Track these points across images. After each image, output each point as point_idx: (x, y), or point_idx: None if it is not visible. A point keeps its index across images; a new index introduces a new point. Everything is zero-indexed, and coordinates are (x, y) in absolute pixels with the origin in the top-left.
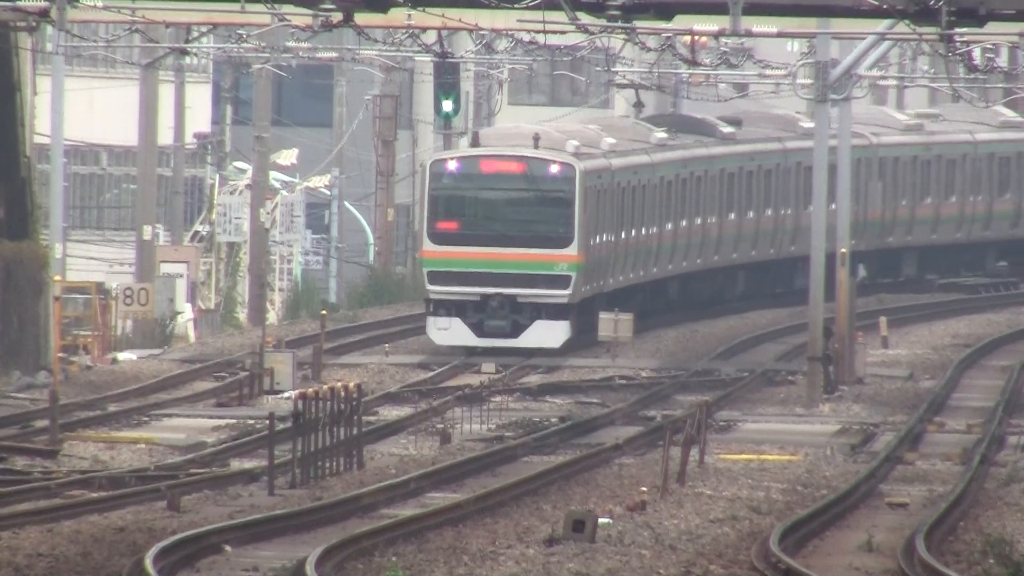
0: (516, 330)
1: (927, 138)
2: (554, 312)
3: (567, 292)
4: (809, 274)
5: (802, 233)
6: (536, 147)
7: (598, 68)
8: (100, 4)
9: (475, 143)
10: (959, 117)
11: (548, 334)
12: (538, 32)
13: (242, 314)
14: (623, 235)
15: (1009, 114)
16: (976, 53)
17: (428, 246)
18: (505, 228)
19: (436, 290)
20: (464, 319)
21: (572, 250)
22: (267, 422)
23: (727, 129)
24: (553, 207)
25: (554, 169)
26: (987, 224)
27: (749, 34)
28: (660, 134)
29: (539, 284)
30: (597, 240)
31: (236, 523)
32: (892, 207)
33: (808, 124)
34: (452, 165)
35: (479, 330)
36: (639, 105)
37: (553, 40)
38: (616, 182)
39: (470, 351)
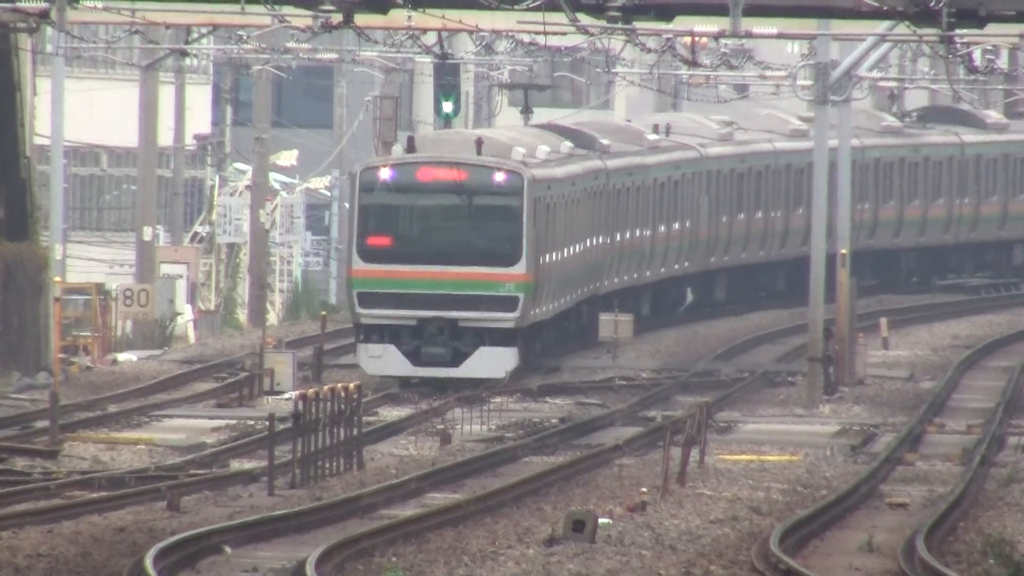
0: (457, 358)
1: (740, 148)
2: (499, 338)
3: (514, 315)
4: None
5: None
6: (479, 153)
7: (598, 69)
8: (100, 5)
9: (411, 149)
10: (751, 125)
11: (493, 362)
12: (538, 33)
13: (242, 315)
14: (577, 248)
15: (796, 122)
16: (976, 54)
17: (358, 264)
18: (444, 244)
19: (367, 313)
20: (399, 346)
21: (520, 268)
22: (267, 423)
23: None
24: (498, 220)
25: (499, 178)
26: (783, 241)
27: (749, 35)
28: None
29: (483, 307)
30: (549, 258)
31: (236, 523)
32: (716, 224)
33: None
34: (385, 173)
35: (416, 358)
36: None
37: (553, 41)
38: (570, 192)
39: (404, 383)
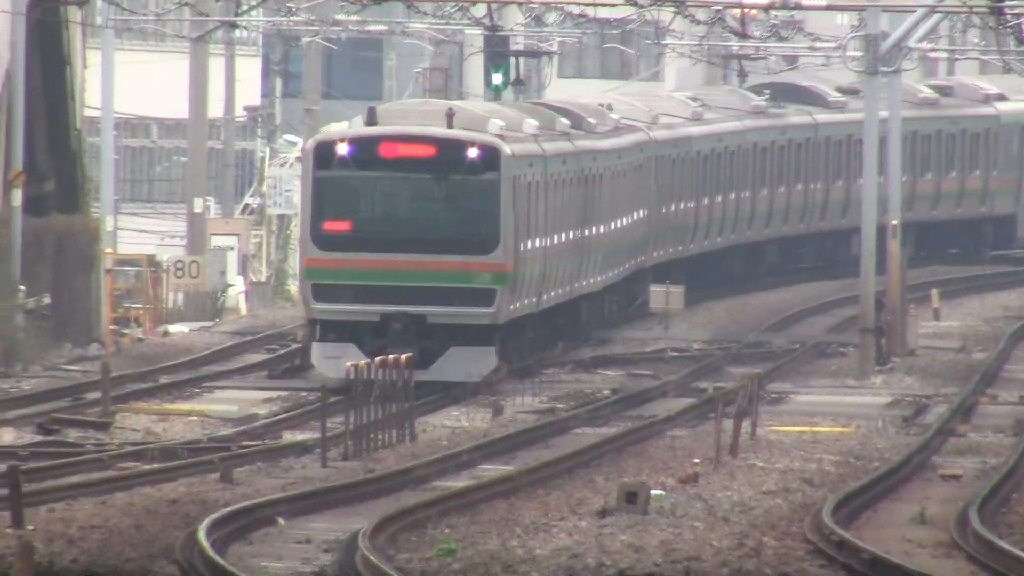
0: (426, 359)
1: (710, 128)
2: (474, 336)
3: (490, 310)
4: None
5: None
6: (450, 126)
7: (648, 41)
8: None
9: (371, 121)
10: (718, 102)
11: (467, 364)
12: (588, 5)
13: (293, 286)
14: (563, 237)
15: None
16: None
17: (312, 252)
18: (410, 230)
19: (323, 308)
20: (360, 345)
21: (497, 257)
22: (319, 394)
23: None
24: (471, 202)
25: (472, 153)
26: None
27: (799, 7)
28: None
29: (454, 301)
30: (530, 244)
31: (289, 495)
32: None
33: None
34: (342, 148)
35: None
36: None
37: (603, 13)
38: (553, 171)
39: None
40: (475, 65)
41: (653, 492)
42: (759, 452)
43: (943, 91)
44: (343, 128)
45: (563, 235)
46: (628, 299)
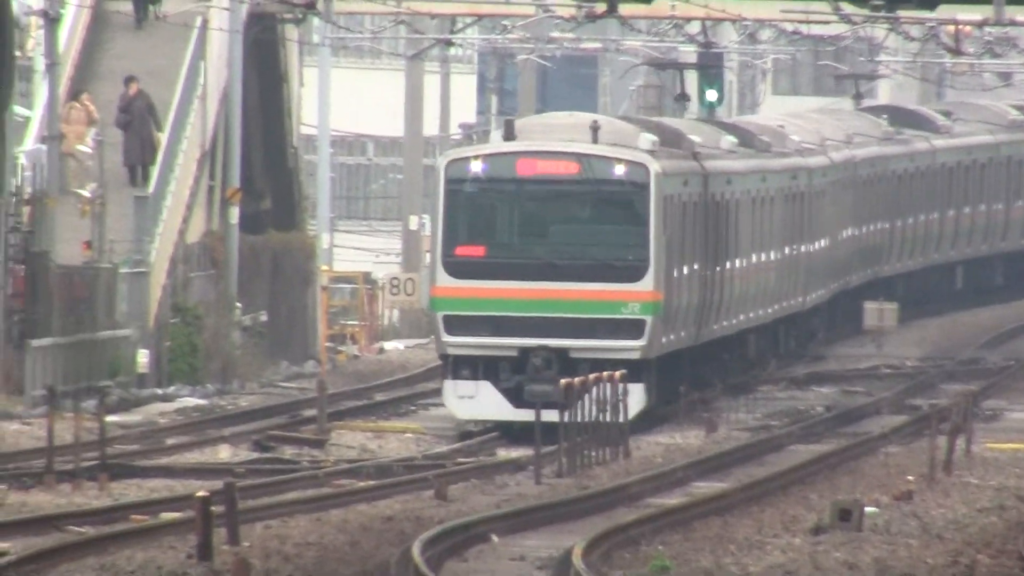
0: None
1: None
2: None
3: (639, 343)
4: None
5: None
6: (595, 141)
7: (861, 58)
8: None
9: (509, 135)
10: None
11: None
12: (801, 22)
13: None
14: (726, 264)
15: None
16: None
17: (443, 280)
18: (550, 255)
19: (456, 342)
20: (496, 383)
21: (647, 284)
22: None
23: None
24: (618, 224)
25: (619, 171)
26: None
27: (1013, 23)
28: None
29: (600, 333)
30: (685, 270)
31: (503, 512)
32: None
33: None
34: (476, 166)
35: (517, 398)
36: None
37: (816, 30)
38: (715, 190)
39: (504, 428)
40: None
41: (867, 509)
42: (974, 469)
43: None
44: (479, 144)
45: (726, 260)
46: (808, 332)
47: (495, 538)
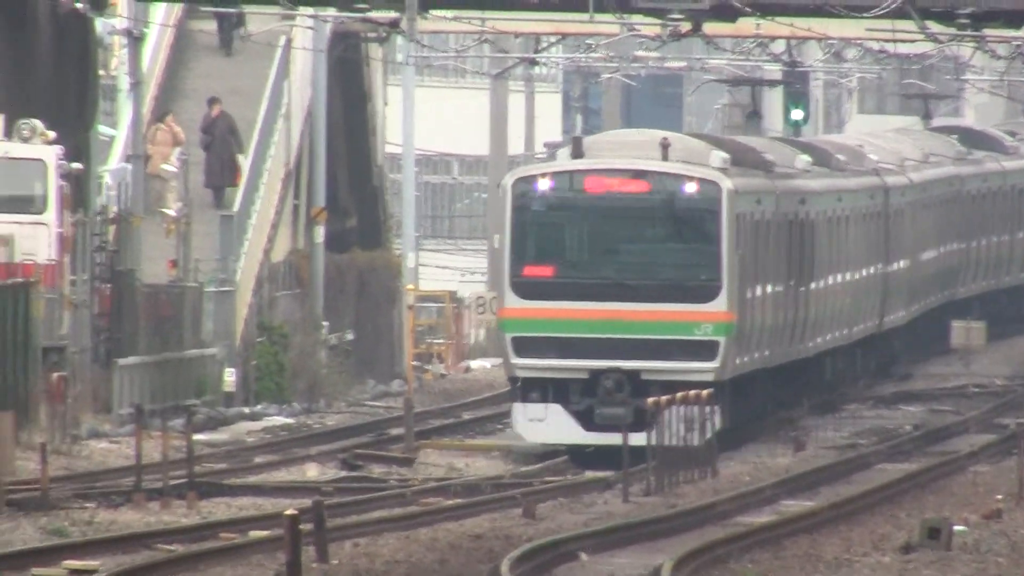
0: (641, 420)
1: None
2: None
3: (712, 365)
4: None
5: None
6: (665, 158)
7: (947, 77)
8: (450, 15)
9: (577, 153)
10: None
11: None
12: (887, 41)
13: None
14: (802, 284)
15: None
16: None
17: (511, 301)
18: (621, 274)
19: (524, 364)
20: (566, 405)
21: (720, 304)
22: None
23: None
24: (689, 243)
25: (690, 188)
26: None
27: None
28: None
29: (672, 354)
30: (759, 290)
31: (591, 530)
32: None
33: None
34: (544, 184)
35: (588, 421)
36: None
37: (902, 48)
38: (789, 210)
39: (574, 452)
40: (775, 101)
41: (956, 528)
42: None
43: None
44: (547, 162)
45: (802, 280)
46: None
47: (584, 556)
